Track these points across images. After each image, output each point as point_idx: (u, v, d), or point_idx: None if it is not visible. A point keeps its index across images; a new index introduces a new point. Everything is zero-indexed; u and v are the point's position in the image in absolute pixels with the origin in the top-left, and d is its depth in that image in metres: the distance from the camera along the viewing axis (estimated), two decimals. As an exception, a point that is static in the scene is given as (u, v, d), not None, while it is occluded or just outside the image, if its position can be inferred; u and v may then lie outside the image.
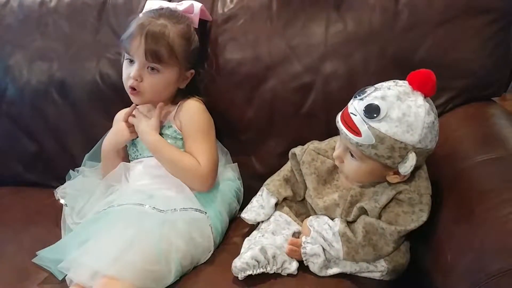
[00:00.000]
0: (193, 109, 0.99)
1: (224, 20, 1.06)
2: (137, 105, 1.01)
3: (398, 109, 0.72)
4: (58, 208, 1.01)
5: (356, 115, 0.75)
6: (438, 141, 0.78)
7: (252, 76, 1.03)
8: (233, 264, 0.81)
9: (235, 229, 0.99)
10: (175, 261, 0.83)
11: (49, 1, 1.17)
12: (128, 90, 0.98)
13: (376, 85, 0.78)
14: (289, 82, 1.01)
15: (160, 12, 0.97)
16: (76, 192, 1.02)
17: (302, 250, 0.81)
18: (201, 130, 0.97)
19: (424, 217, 0.77)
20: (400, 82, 0.77)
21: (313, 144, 0.90)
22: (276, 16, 1.02)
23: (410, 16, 0.95)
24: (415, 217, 0.77)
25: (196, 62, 1.01)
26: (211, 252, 0.91)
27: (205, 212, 0.92)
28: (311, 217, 0.86)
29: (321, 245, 0.81)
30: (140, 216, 0.87)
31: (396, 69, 0.89)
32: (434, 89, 0.75)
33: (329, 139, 0.90)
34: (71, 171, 1.09)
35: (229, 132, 1.05)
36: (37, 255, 0.91)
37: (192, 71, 1.01)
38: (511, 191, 0.69)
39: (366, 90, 0.77)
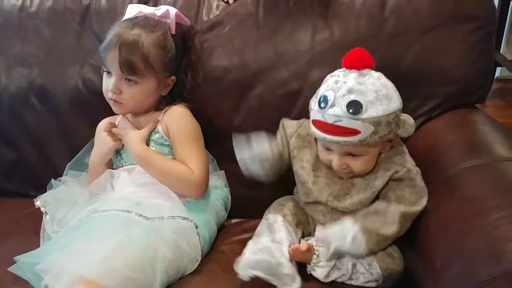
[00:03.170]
0: (180, 115, 0.98)
1: (210, 27, 1.05)
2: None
3: (369, 91, 0.76)
4: (38, 219, 0.98)
5: (341, 120, 0.76)
6: (426, 147, 0.81)
7: (239, 83, 1.02)
8: (244, 259, 0.80)
9: (223, 238, 0.98)
10: (160, 270, 0.82)
11: (30, 6, 1.14)
12: (109, 102, 0.96)
13: (324, 88, 0.80)
14: (276, 89, 1.01)
15: (134, 21, 0.95)
16: (58, 201, 0.99)
17: (313, 261, 0.81)
18: (191, 136, 0.96)
19: (425, 187, 0.81)
20: (337, 72, 0.81)
21: (307, 121, 0.88)
22: (262, 23, 1.02)
23: (396, 24, 0.96)
24: (419, 190, 0.80)
25: (177, 69, 1.00)
26: (198, 261, 0.90)
27: (193, 221, 0.90)
28: (324, 232, 0.82)
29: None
30: (126, 223, 0.86)
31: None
32: (371, 59, 0.80)
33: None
34: (53, 181, 1.06)
35: (216, 140, 1.04)
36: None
37: (173, 77, 0.99)
38: (498, 197, 0.70)
39: (326, 96, 0.78)
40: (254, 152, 0.87)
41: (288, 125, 0.91)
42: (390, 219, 0.78)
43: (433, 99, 0.97)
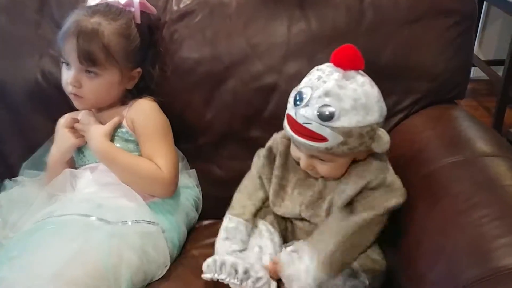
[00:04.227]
0: (147, 109, 0.92)
1: (180, 17, 1.00)
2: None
3: (347, 98, 0.70)
4: (-9, 223, 0.90)
5: (311, 123, 0.71)
6: (405, 144, 0.77)
7: (211, 76, 0.97)
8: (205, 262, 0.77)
9: (194, 241, 0.93)
10: (125, 277, 0.77)
11: (-17, -8, 1.06)
12: (69, 96, 0.90)
13: (305, 83, 0.75)
14: (250, 82, 0.96)
15: (94, 9, 0.89)
16: (12, 203, 0.92)
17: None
18: (159, 132, 0.91)
19: (403, 191, 0.75)
20: (324, 67, 0.75)
21: (277, 134, 0.86)
22: (236, 13, 0.98)
23: (375, 16, 0.93)
24: (395, 193, 0.75)
25: (142, 60, 0.94)
26: (167, 266, 0.85)
27: (159, 224, 0.85)
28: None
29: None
30: (85, 228, 0.80)
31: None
32: (362, 61, 0.74)
33: None
34: (6, 181, 0.99)
35: (186, 136, 0.99)
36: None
37: (139, 69, 0.94)
38: (481, 193, 0.68)
39: (302, 93, 0.73)
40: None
41: (271, 147, 0.86)
42: (347, 231, 0.73)
43: (412, 95, 0.95)
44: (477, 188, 0.69)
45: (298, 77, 0.90)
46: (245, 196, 0.86)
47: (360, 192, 0.75)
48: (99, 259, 0.75)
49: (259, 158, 0.87)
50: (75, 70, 0.87)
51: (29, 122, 1.03)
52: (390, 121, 0.94)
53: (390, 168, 0.78)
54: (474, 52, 2.22)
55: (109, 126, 0.90)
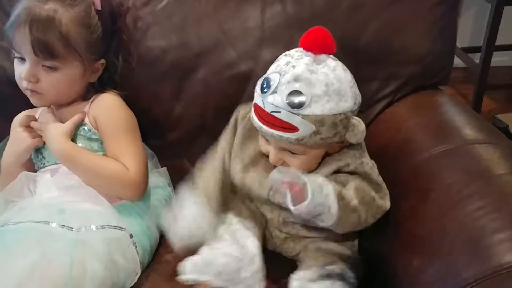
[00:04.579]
0: (110, 104, 0.86)
1: (144, 2, 0.94)
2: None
3: (319, 83, 0.66)
4: None
5: (279, 111, 0.66)
6: (390, 133, 0.73)
7: (180, 65, 0.92)
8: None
9: (167, 245, 0.84)
10: None
11: None
12: (25, 92, 0.83)
13: (272, 69, 0.70)
14: (223, 71, 0.91)
15: None
16: (-39, 211, 0.84)
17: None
18: (124, 128, 0.85)
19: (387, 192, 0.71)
20: (293, 52, 0.70)
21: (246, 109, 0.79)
22: (205, -4, 0.92)
23: (354, -4, 0.89)
24: (375, 185, 0.71)
25: (105, 51, 0.87)
26: (138, 274, 0.79)
27: (125, 229, 0.79)
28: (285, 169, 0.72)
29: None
30: (43, 237, 0.73)
31: (341, 54, 0.81)
32: (333, 44, 0.69)
33: None
34: (-43, 186, 0.90)
35: (154, 132, 0.94)
36: None
37: (103, 61, 0.87)
38: (474, 184, 0.64)
39: (269, 79, 0.68)
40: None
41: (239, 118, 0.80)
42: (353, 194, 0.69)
43: (395, 80, 0.91)
44: (470, 178, 0.65)
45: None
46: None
47: (335, 174, 0.71)
48: (60, 273, 0.69)
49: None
50: (30, 63, 0.79)
51: (-20, 121, 0.95)
52: (373, 109, 0.91)
53: (367, 156, 0.73)
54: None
55: (69, 124, 0.83)
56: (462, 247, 0.57)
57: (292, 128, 0.65)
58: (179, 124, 0.94)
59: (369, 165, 0.72)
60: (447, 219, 0.61)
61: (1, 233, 0.74)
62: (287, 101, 0.65)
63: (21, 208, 0.79)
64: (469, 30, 2.27)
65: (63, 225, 0.74)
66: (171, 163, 0.95)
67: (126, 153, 0.83)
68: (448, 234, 0.59)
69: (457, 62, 2.13)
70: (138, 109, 0.89)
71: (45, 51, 0.78)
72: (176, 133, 0.95)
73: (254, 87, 0.88)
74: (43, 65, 0.80)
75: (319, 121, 0.65)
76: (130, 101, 0.88)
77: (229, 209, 0.80)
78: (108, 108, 0.86)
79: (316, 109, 0.65)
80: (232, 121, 0.81)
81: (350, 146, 0.72)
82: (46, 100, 0.84)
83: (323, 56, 0.68)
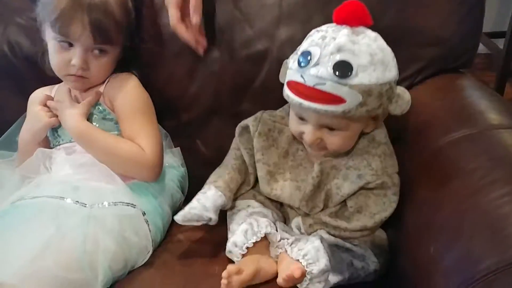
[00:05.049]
0: (127, 85, 0.86)
1: (160, -21, 0.92)
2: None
3: (363, 53, 0.64)
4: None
5: (324, 83, 0.63)
6: (410, 116, 0.72)
7: None
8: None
9: (180, 224, 0.84)
10: (103, 265, 0.71)
11: None
12: (65, 77, 0.84)
13: (308, 44, 0.68)
14: (239, 50, 0.89)
15: None
16: (-20, 187, 0.85)
17: (307, 276, 0.67)
18: (141, 110, 0.85)
19: (396, 200, 0.71)
20: (325, 27, 0.68)
21: (266, 113, 0.80)
22: (222, -27, 0.90)
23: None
24: (387, 201, 0.71)
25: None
26: (150, 252, 0.79)
27: (138, 207, 0.79)
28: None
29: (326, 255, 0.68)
30: (59, 212, 0.74)
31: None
32: (369, 15, 0.68)
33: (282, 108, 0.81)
34: (-24, 163, 0.92)
35: (169, 112, 0.93)
36: None
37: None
38: (498, 170, 0.61)
39: (308, 53, 0.66)
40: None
41: (243, 130, 0.80)
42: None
43: (415, 63, 0.87)
44: (494, 163, 0.62)
45: (291, 43, 0.84)
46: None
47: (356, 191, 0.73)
48: (73, 247, 0.70)
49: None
50: (83, 49, 0.80)
51: (-3, 97, 0.96)
52: None
53: (391, 161, 0.73)
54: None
55: (85, 104, 0.84)
56: (483, 234, 0.55)
57: (338, 100, 0.63)
58: (194, 104, 0.93)
59: (388, 184, 0.71)
60: (468, 205, 0.59)
61: (18, 207, 0.75)
62: (334, 71, 0.63)
63: (37, 184, 0.80)
64: (493, 14, 2.19)
65: (77, 201, 0.75)
66: (185, 144, 0.95)
67: (142, 134, 0.83)
68: (468, 221, 0.57)
69: (479, 48, 2.07)
70: (153, 89, 0.88)
71: (104, 37, 0.79)
72: (190, 113, 0.94)
73: (269, 67, 0.87)
74: (93, 50, 0.80)
75: (366, 91, 0.64)
76: (144, 81, 0.88)
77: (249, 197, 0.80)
78: (126, 89, 0.85)
79: (364, 78, 0.63)
80: (242, 140, 0.81)
81: (380, 141, 0.72)
82: (89, 83, 0.84)
83: (360, 28, 0.67)
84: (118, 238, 0.74)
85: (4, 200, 0.79)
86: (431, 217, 0.64)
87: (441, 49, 0.87)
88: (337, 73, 0.63)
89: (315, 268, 0.66)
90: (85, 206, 0.75)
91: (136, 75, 0.87)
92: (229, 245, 0.73)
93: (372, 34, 0.67)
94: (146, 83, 0.88)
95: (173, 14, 0.78)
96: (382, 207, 0.71)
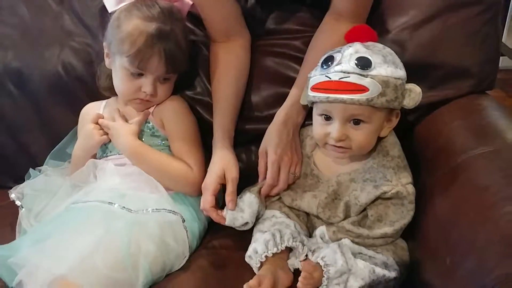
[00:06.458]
0: (179, 109, 0.93)
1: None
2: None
3: (377, 54, 0.74)
4: (15, 212, 0.91)
5: (348, 76, 0.72)
6: (431, 135, 0.77)
7: None
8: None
9: (215, 232, 0.91)
10: (144, 267, 0.76)
11: (4, -16, 1.07)
12: (131, 101, 0.91)
13: (329, 53, 0.77)
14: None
15: (157, 11, 0.85)
16: (36, 192, 0.92)
17: (324, 276, 0.72)
18: (190, 131, 0.92)
19: (413, 208, 0.76)
20: (337, 48, 0.78)
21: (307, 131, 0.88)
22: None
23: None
24: (404, 209, 0.76)
25: None
26: (186, 257, 0.84)
27: (179, 214, 0.84)
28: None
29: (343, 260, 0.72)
30: (107, 216, 0.80)
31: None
32: (375, 34, 0.79)
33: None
34: (31, 170, 0.99)
35: (204, 129, 0.96)
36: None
37: None
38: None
39: (331, 56, 0.76)
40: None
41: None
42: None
43: (438, 92, 0.90)
44: (508, 180, 0.65)
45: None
46: None
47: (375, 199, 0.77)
48: (119, 249, 0.75)
49: None
50: (153, 78, 0.86)
51: (50, 113, 1.04)
52: (415, 114, 0.89)
53: (405, 173, 0.78)
54: (503, 41, 2.13)
55: (136, 124, 0.90)
56: (497, 245, 0.58)
57: (362, 89, 0.71)
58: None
59: (403, 193, 0.75)
60: (482, 219, 0.62)
61: (72, 210, 0.82)
62: (356, 64, 0.72)
63: (87, 192, 0.86)
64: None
65: (124, 207, 0.81)
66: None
67: (191, 154, 0.89)
68: (482, 233, 0.60)
69: (509, 64, 2.05)
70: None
71: (175, 65, 0.85)
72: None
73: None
74: (161, 78, 0.87)
75: (385, 82, 0.72)
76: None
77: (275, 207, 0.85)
78: (178, 111, 0.92)
79: (382, 70, 0.72)
80: None
81: (395, 152, 0.78)
82: (150, 105, 0.91)
83: (369, 42, 0.76)
84: (159, 243, 0.79)
85: (57, 206, 0.86)
86: (448, 231, 0.67)
87: (460, 80, 0.89)
88: (359, 66, 0.72)
89: (332, 269, 0.71)
90: (131, 212, 0.81)
91: (185, 99, 0.94)
92: (250, 251, 0.77)
93: (380, 45, 0.77)
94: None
95: (207, 200, 0.81)
96: (401, 215, 0.76)
